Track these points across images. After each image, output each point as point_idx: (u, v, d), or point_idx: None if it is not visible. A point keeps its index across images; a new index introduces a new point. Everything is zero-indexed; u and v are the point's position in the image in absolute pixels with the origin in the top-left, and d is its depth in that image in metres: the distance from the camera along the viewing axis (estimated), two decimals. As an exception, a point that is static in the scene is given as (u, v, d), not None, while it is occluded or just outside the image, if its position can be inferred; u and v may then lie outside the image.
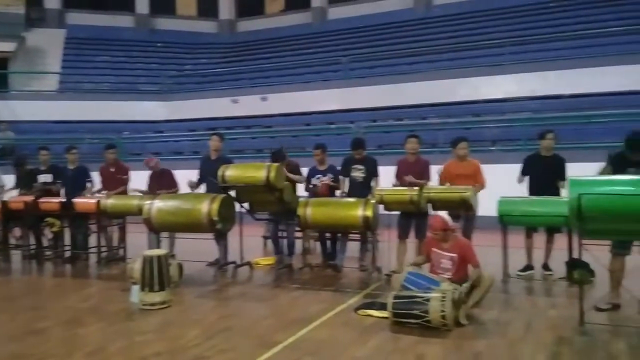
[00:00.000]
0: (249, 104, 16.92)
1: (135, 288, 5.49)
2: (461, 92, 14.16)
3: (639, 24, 13.98)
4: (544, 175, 6.51)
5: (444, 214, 5.31)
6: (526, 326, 4.65)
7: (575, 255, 4.74)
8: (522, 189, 6.61)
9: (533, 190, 6.57)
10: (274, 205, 6.71)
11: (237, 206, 6.81)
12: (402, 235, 6.63)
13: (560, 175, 6.40)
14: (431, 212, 6.45)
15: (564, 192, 5.88)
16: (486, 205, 6.50)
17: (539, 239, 6.62)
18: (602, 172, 5.16)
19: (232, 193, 6.72)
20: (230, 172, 6.45)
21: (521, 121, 11.55)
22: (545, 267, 6.53)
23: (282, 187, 6.46)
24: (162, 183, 7.72)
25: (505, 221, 6.28)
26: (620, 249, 4.96)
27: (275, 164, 6.41)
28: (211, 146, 7.54)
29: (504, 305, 5.38)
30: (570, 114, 11.60)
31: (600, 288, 5.44)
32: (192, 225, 6.42)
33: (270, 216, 7.30)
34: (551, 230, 6.48)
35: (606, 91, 12.22)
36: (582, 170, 5.02)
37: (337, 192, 7.11)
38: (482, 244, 6.97)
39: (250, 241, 7.90)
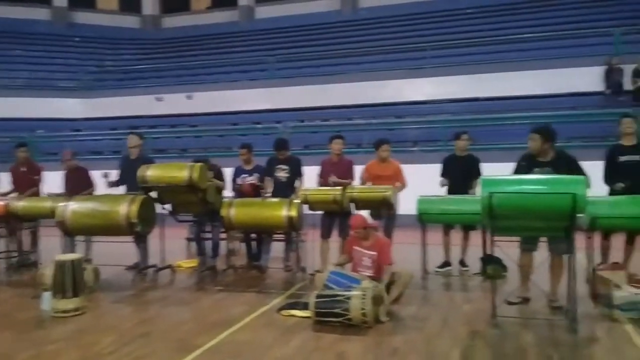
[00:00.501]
0: (174, 102, 16.54)
1: (47, 295, 5.21)
2: (385, 94, 14.48)
3: (551, 31, 14.84)
4: (461, 174, 6.77)
5: (365, 213, 5.41)
6: (443, 321, 4.82)
7: (489, 251, 4.96)
8: (441, 188, 6.84)
9: (451, 189, 6.83)
10: (197, 206, 6.58)
11: (158, 207, 6.62)
12: (325, 235, 6.69)
13: (476, 174, 6.66)
14: (354, 211, 6.55)
15: (477, 191, 6.12)
16: (408, 204, 6.68)
17: (457, 236, 6.89)
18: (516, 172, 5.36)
19: (154, 194, 6.52)
20: (152, 172, 6.25)
21: (441, 123, 11.96)
22: (462, 263, 6.81)
23: (205, 188, 6.35)
24: (77, 183, 7.39)
25: (424, 219, 6.49)
26: (529, 244, 5.23)
27: (198, 164, 6.26)
28: (128, 145, 7.30)
29: (422, 301, 5.55)
30: (486, 116, 12.14)
31: (513, 283, 5.70)
32: (110, 228, 6.18)
33: (194, 217, 7.15)
34: (467, 228, 6.75)
35: (520, 94, 12.88)
36: (497, 170, 5.24)
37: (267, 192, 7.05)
38: (403, 241, 7.18)
39: (173, 244, 7.71)
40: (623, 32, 13.08)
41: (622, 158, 5.87)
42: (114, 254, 7.11)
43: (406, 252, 7.02)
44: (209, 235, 6.99)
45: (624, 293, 4.83)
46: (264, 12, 22.14)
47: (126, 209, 6.02)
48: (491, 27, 16.36)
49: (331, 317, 4.62)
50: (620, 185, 5.70)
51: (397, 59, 15.92)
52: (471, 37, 15.77)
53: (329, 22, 19.83)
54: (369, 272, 5.20)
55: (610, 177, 5.87)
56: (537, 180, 4.71)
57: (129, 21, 23.36)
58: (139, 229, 6.10)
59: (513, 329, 4.57)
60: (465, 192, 6.60)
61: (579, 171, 4.97)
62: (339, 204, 6.36)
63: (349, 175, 6.82)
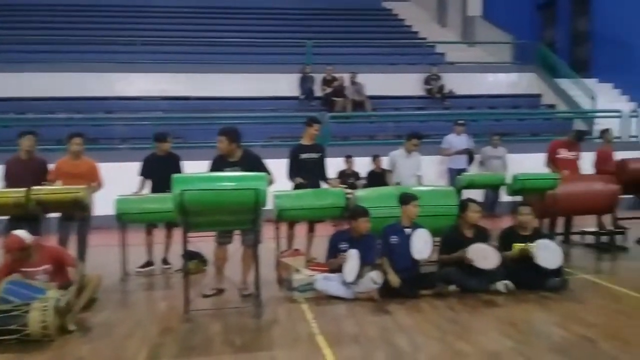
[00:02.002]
0: None
1: None
2: (94, 87, 13.55)
3: (256, 38, 15.88)
4: (164, 173, 6.71)
5: (21, 232, 4.89)
6: (136, 322, 4.74)
7: (189, 247, 5.07)
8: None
9: (154, 189, 6.77)
10: None
11: None
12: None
13: (177, 172, 6.71)
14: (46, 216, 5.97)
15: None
16: (107, 205, 6.37)
17: (162, 234, 6.85)
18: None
19: None
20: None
21: (152, 120, 11.76)
22: (165, 261, 6.80)
23: None
24: None
25: (124, 219, 6.30)
26: (224, 238, 5.49)
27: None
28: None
29: (118, 304, 5.38)
30: (197, 115, 12.38)
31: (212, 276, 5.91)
32: None
33: None
34: (170, 225, 6.76)
35: (229, 96, 13.44)
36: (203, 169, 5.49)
37: None
38: (102, 243, 6.86)
39: None
40: (314, 44, 14.76)
41: (303, 156, 6.63)
42: None
43: (105, 254, 6.74)
44: None
45: (302, 276, 5.44)
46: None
47: None
48: (204, 29, 16.68)
49: (6, 335, 4.13)
50: (299, 180, 6.42)
51: (109, 51, 15.07)
52: (185, 37, 15.87)
53: (25, 3, 17.62)
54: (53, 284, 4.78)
55: (293, 173, 6.56)
56: (225, 178, 4.99)
57: None
58: None
59: (204, 320, 4.75)
60: (169, 191, 6.59)
61: (264, 168, 5.43)
62: (22, 208, 5.70)
63: (42, 176, 6.20)
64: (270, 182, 5.26)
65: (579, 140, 8.34)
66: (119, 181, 6.89)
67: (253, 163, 5.42)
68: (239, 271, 5.53)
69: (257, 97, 13.61)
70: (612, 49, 15.15)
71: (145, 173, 6.85)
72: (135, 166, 7.02)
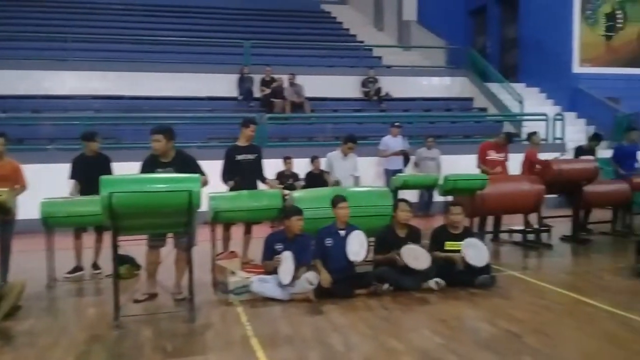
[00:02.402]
0: None
1: None
2: (19, 85, 12.91)
3: (193, 37, 15.59)
4: (93, 175, 6.47)
5: None
6: (62, 330, 4.55)
7: (120, 251, 4.90)
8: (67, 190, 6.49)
9: (83, 191, 6.52)
10: None
11: None
12: None
13: (107, 173, 6.49)
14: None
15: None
16: (33, 208, 6.08)
17: (92, 238, 6.60)
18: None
19: None
20: None
21: (83, 120, 11.32)
22: (95, 266, 6.56)
23: None
24: None
25: (50, 223, 6.04)
26: (156, 241, 5.36)
27: None
28: None
29: (43, 311, 5.14)
30: (131, 115, 12.01)
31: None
32: None
33: None
34: (100, 229, 6.53)
35: (164, 95, 13.12)
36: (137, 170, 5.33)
37: None
38: (27, 249, 6.56)
39: None
40: (252, 45, 14.66)
41: (239, 157, 6.57)
42: None
43: (31, 260, 6.44)
44: None
45: (237, 278, 5.38)
46: None
47: None
48: (138, 27, 16.24)
49: None
50: (232, 183, 6.38)
51: (36, 47, 14.39)
52: (120, 34, 15.38)
53: None
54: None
55: (227, 174, 6.49)
56: (156, 179, 4.85)
57: None
58: None
59: (135, 326, 4.60)
60: (97, 193, 6.36)
61: (198, 169, 5.34)
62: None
63: None
64: (205, 183, 5.17)
65: (508, 142, 8.69)
66: (46, 183, 6.59)
67: (187, 164, 5.31)
68: (173, 275, 5.41)
69: (193, 97, 13.36)
70: (538, 55, 15.89)
71: (75, 175, 6.59)
72: (64, 168, 6.74)
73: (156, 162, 5.30)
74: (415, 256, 5.53)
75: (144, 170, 5.29)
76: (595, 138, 9.24)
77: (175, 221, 4.86)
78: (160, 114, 11.91)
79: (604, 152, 10.92)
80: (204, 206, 5.50)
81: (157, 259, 5.40)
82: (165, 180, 4.81)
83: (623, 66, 15.29)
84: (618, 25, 15.38)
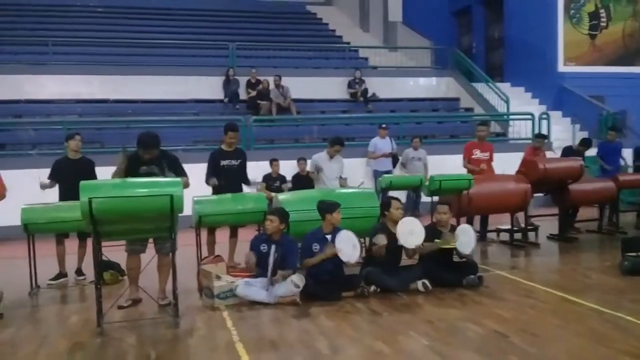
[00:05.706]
0: None
1: None
2: (1, 90, 12.73)
3: (178, 40, 15.50)
4: (75, 179, 6.37)
5: None
6: (43, 339, 4.45)
7: (103, 257, 4.82)
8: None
9: (63, 195, 6.43)
10: None
11: None
12: None
13: (90, 177, 6.40)
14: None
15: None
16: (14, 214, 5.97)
17: (75, 244, 6.50)
18: (119, 167, 5.30)
19: None
20: None
21: (66, 124, 11.18)
22: (79, 272, 6.46)
23: None
24: None
25: (31, 229, 5.93)
26: (136, 246, 5.27)
27: None
28: None
29: (25, 320, 5.04)
30: (115, 119, 11.89)
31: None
32: None
33: None
34: (83, 235, 6.42)
35: (149, 99, 13.01)
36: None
37: None
38: (7, 256, 6.45)
39: None
40: (237, 46, 14.58)
41: (224, 162, 6.51)
42: None
43: (12, 267, 6.33)
44: None
45: (223, 283, 5.31)
46: None
47: None
48: (122, 30, 16.10)
49: None
50: (214, 181, 6.32)
51: (17, 51, 14.21)
52: (103, 37, 15.23)
53: None
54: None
55: (209, 176, 6.42)
56: (137, 184, 4.78)
57: None
58: None
59: (118, 333, 4.52)
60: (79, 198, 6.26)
61: (180, 169, 5.30)
62: None
63: None
64: (186, 185, 5.10)
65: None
66: (29, 189, 6.46)
67: (169, 164, 5.26)
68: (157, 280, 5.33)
69: (179, 100, 13.28)
70: (523, 54, 15.98)
71: (54, 177, 6.49)
72: (47, 173, 6.64)
73: (139, 159, 5.23)
74: (411, 230, 5.52)
75: (130, 167, 5.19)
76: (584, 143, 9.26)
77: (157, 226, 4.79)
78: (145, 117, 11.81)
79: (590, 150, 10.97)
80: (189, 210, 5.45)
81: (137, 264, 5.30)
82: (146, 184, 4.73)
83: (607, 64, 15.43)
84: (602, 24, 15.51)
